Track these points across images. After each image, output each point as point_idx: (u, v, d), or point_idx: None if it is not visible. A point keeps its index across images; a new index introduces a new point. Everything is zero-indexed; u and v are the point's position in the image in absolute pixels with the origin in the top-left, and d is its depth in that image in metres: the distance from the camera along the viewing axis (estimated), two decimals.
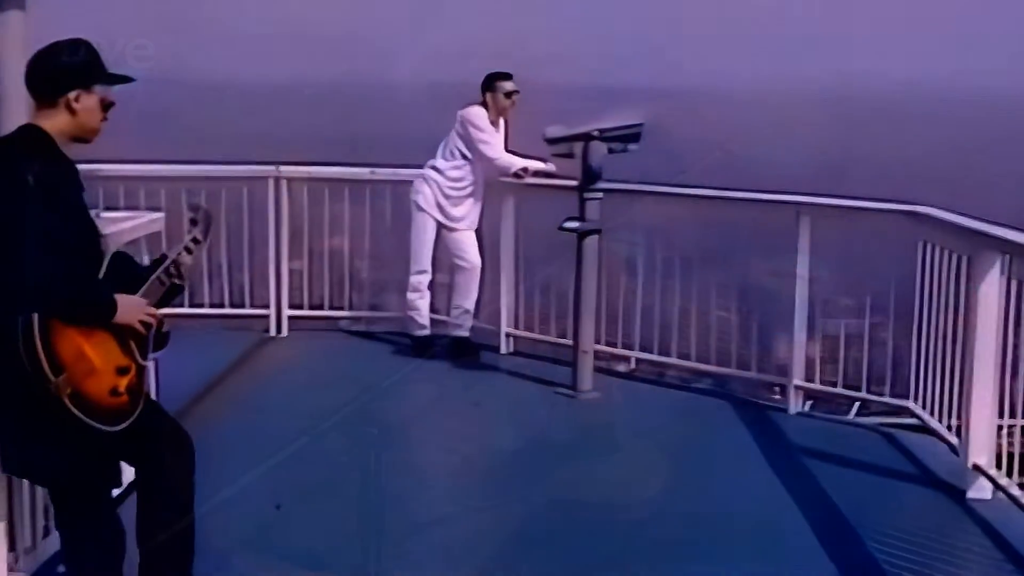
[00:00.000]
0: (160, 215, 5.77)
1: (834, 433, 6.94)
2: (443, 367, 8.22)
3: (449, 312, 8.56)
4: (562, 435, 6.83)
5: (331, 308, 9.33)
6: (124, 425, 3.63)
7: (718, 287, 7.99)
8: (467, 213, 8.33)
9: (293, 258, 9.20)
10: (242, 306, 9.27)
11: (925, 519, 5.52)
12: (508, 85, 8.19)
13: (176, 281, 3.91)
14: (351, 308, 9.33)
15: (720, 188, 7.48)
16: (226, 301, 9.24)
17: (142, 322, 3.67)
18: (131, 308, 3.66)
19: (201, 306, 9.08)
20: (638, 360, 8.31)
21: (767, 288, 7.75)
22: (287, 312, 9.09)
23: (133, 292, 3.73)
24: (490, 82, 8.20)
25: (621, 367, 8.45)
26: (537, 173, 8.16)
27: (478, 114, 8.14)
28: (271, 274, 9.07)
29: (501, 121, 8.28)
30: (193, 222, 4.09)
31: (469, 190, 8.29)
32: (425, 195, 8.27)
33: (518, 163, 8.15)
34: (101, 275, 3.69)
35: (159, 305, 3.86)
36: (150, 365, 3.93)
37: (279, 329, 9.06)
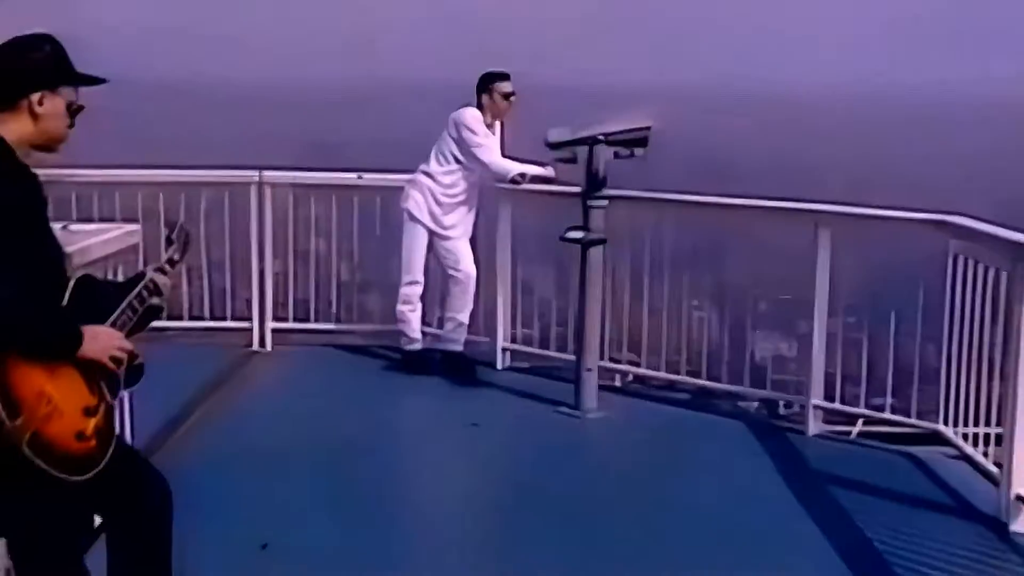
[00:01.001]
0: (136, 227, 5.30)
1: (857, 457, 6.50)
2: (437, 384, 7.78)
3: (442, 325, 8.10)
4: (568, 458, 6.39)
5: (317, 320, 8.85)
6: (92, 474, 3.17)
7: (731, 301, 7.58)
8: (460, 221, 7.88)
9: (277, 267, 8.72)
10: (223, 319, 8.79)
11: (965, 555, 5.11)
12: (506, 86, 7.74)
13: (154, 302, 3.47)
14: (338, 320, 8.86)
15: (733, 196, 7.06)
16: (206, 313, 8.78)
17: (112, 357, 3.20)
18: (99, 340, 3.19)
19: (179, 319, 8.60)
20: (642, 376, 7.87)
21: (784, 302, 7.32)
22: (271, 325, 8.62)
23: (102, 320, 3.27)
24: (486, 83, 7.75)
25: (616, 380, 7.97)
26: (536, 179, 7.70)
27: (473, 116, 7.69)
28: (254, 285, 8.60)
29: (497, 124, 7.84)
30: (169, 241, 3.66)
31: (463, 197, 7.84)
32: (416, 201, 7.82)
33: (515, 168, 7.69)
34: (64, 302, 3.21)
35: (133, 332, 3.41)
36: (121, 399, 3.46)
37: (262, 343, 8.60)
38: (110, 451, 3.24)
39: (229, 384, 7.71)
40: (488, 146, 7.69)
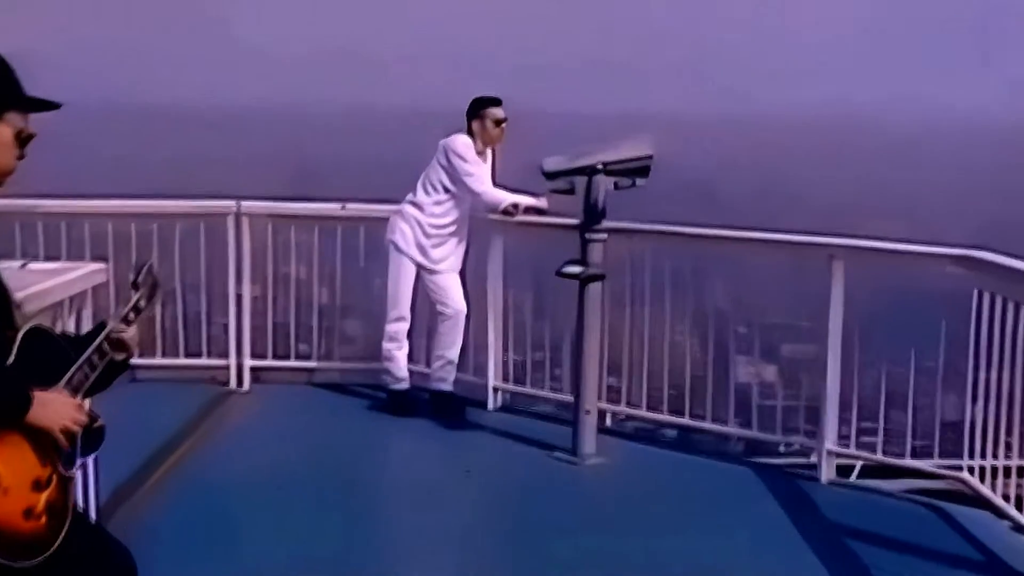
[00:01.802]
0: (102, 266, 4.86)
1: (876, 507, 6.10)
2: (426, 426, 7.36)
3: (430, 364, 7.68)
4: (569, 510, 5.97)
5: (298, 358, 8.42)
6: (43, 557, 2.75)
7: (737, 338, 7.19)
8: (449, 253, 7.49)
9: (255, 301, 8.31)
10: (198, 355, 8.36)
11: None
12: (497, 112, 7.36)
13: (118, 357, 3.05)
14: (321, 358, 8.43)
15: (742, 228, 6.69)
16: (180, 350, 8.33)
17: (64, 429, 2.78)
18: (50, 407, 2.77)
19: (152, 356, 8.16)
20: (642, 417, 7.46)
21: (795, 339, 6.95)
22: (249, 363, 8.20)
23: (56, 378, 2.85)
24: (477, 108, 7.37)
25: (607, 419, 7.53)
26: (529, 210, 7.32)
27: (464, 143, 7.31)
28: (231, 321, 8.18)
29: (488, 151, 7.46)
30: (135, 285, 3.23)
31: (452, 228, 7.45)
32: (403, 233, 7.43)
33: (508, 198, 7.31)
34: (11, 358, 2.79)
35: (95, 391, 3.00)
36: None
37: (240, 382, 8.17)
38: (65, 528, 2.82)
39: (204, 428, 7.28)
40: (479, 175, 7.32)
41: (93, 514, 4.27)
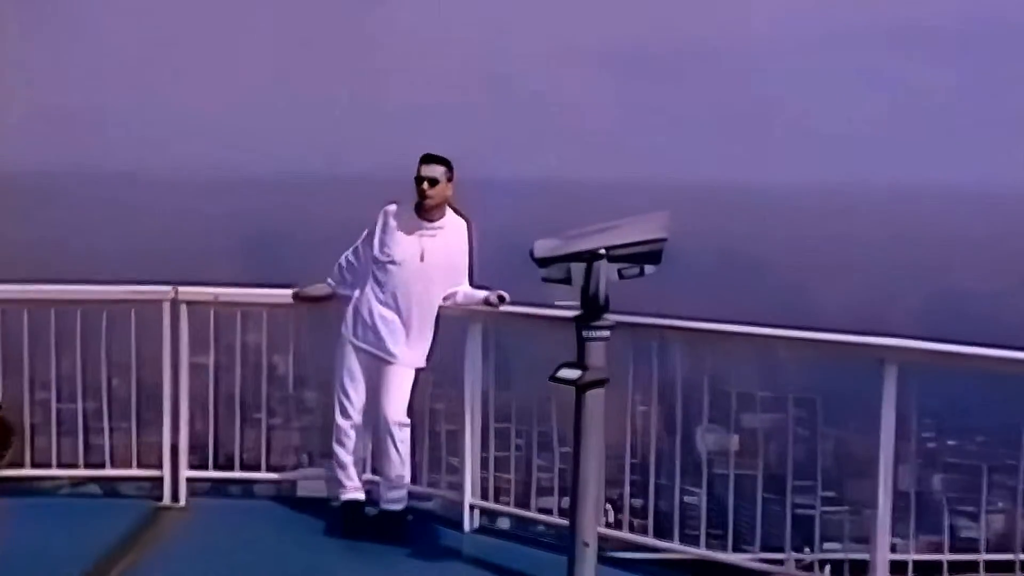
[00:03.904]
0: None
1: None
2: (385, 552, 6.23)
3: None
4: None
5: (243, 468, 7.26)
6: None
7: (771, 451, 6.13)
8: (406, 345, 6.38)
9: (194, 402, 7.17)
10: (128, 466, 7.18)
11: None
12: (421, 169, 6.30)
13: None
14: (269, 468, 7.27)
15: (774, 326, 5.65)
16: (106, 460, 7.17)
17: None
18: None
19: (73, 467, 7.02)
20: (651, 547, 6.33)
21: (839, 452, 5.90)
22: (186, 473, 7.05)
23: None
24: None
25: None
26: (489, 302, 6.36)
27: (385, 212, 6.43)
28: (165, 425, 7.04)
29: (446, 217, 6.39)
30: None
31: (405, 316, 6.37)
32: (347, 319, 6.41)
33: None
34: None
35: None
36: None
37: (175, 496, 7.01)
38: None
39: (133, 553, 6.14)
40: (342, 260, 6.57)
41: None
